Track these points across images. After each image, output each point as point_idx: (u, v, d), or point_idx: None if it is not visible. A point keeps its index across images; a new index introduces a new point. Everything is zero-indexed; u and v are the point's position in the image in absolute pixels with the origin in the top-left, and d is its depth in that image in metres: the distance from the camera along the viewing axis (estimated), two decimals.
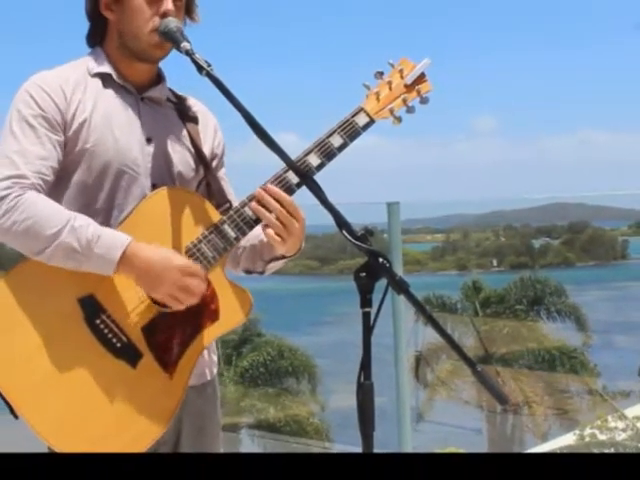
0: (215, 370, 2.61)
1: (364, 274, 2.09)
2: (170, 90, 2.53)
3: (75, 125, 2.34)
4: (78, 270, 2.26)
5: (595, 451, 7.61)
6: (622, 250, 42.41)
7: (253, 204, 2.34)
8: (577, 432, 8.31)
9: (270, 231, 2.35)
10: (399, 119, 2.43)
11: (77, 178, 2.37)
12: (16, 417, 2.27)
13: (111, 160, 2.36)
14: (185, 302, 2.30)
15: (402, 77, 2.42)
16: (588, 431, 8.15)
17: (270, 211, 2.33)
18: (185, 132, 2.49)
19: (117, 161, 2.37)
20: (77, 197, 2.37)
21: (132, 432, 2.31)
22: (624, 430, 7.96)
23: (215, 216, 2.38)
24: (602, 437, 7.93)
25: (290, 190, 2.34)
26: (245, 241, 2.46)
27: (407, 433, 4.86)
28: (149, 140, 2.42)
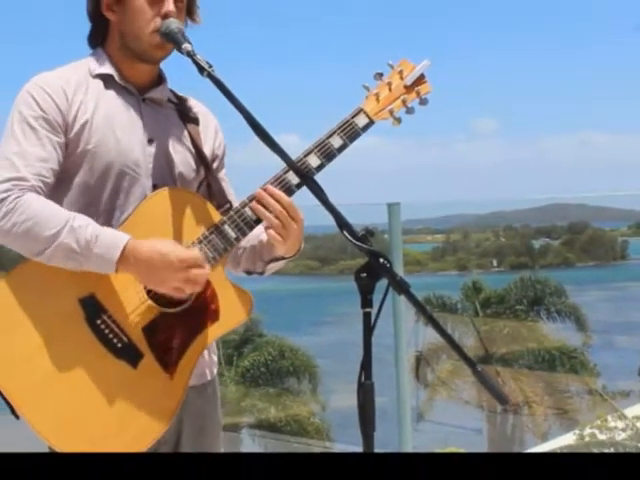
0: (215, 370, 2.61)
1: (365, 274, 2.09)
2: (171, 91, 2.53)
3: (77, 126, 2.34)
4: (79, 270, 2.26)
5: (595, 451, 7.60)
6: (622, 250, 42.40)
7: (253, 204, 2.35)
8: (577, 432, 8.30)
9: (271, 231, 2.35)
10: (399, 120, 2.43)
11: (79, 179, 2.37)
12: (17, 417, 2.27)
13: (113, 161, 2.36)
14: (189, 292, 2.31)
15: (402, 78, 2.42)
16: (588, 431, 8.14)
17: (270, 211, 2.33)
18: (186, 133, 2.50)
19: (119, 162, 2.37)
20: (79, 198, 2.37)
21: (133, 432, 2.31)
22: (624, 430, 7.95)
23: (216, 216, 2.38)
24: (602, 437, 7.92)
25: (290, 191, 2.35)
26: (245, 242, 2.47)
27: (407, 433, 4.86)
28: (150, 141, 2.43)
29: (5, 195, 2.23)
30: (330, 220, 2.14)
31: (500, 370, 20.27)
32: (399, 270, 4.66)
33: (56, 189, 2.35)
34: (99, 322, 2.29)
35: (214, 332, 2.39)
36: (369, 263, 2.09)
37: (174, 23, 2.33)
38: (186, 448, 2.48)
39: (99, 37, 2.47)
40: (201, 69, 2.22)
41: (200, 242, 2.34)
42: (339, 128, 2.37)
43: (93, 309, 2.29)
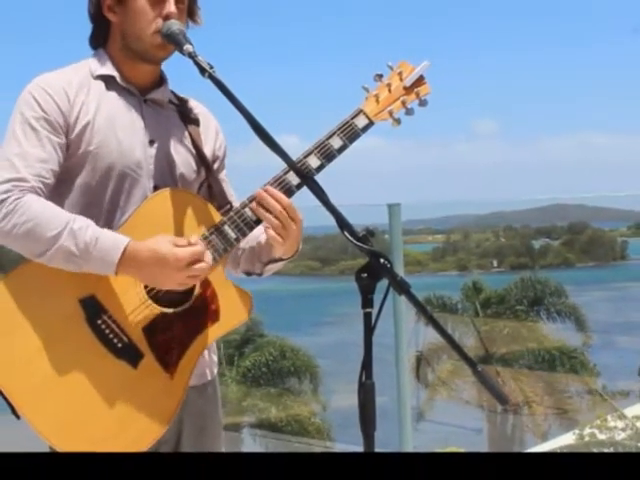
0: (215, 370, 2.62)
1: (365, 275, 2.10)
2: (172, 92, 2.53)
3: (78, 128, 2.35)
4: (79, 271, 2.27)
5: (595, 450, 7.60)
6: (621, 251, 42.37)
7: (253, 205, 2.35)
8: (577, 432, 8.31)
9: (270, 231, 2.36)
10: (398, 121, 2.44)
11: (80, 180, 2.37)
12: (18, 417, 2.28)
13: (114, 162, 2.37)
14: (192, 284, 2.32)
15: (401, 80, 2.43)
16: (588, 431, 8.15)
17: (270, 212, 2.34)
18: (187, 134, 2.50)
19: (120, 163, 2.37)
20: (80, 199, 2.37)
21: (133, 432, 2.31)
22: (623, 429, 7.97)
23: (216, 217, 2.39)
24: (602, 436, 7.93)
25: (290, 192, 2.35)
26: (244, 243, 2.47)
27: (408, 433, 4.86)
28: (152, 142, 2.43)
29: (5, 196, 2.24)
30: (331, 221, 2.14)
31: (500, 370, 20.25)
32: (399, 270, 4.66)
33: (57, 190, 2.35)
34: (99, 322, 2.30)
35: (214, 332, 2.40)
36: (370, 263, 2.10)
37: (175, 24, 2.33)
38: (187, 448, 2.48)
39: (100, 38, 2.47)
40: (202, 70, 2.22)
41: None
42: (339, 129, 2.38)
43: (93, 309, 2.30)
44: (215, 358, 2.62)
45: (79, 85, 2.39)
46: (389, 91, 2.42)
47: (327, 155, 2.36)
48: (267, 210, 2.34)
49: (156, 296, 2.33)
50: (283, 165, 2.31)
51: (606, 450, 7.50)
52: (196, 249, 2.28)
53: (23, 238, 2.23)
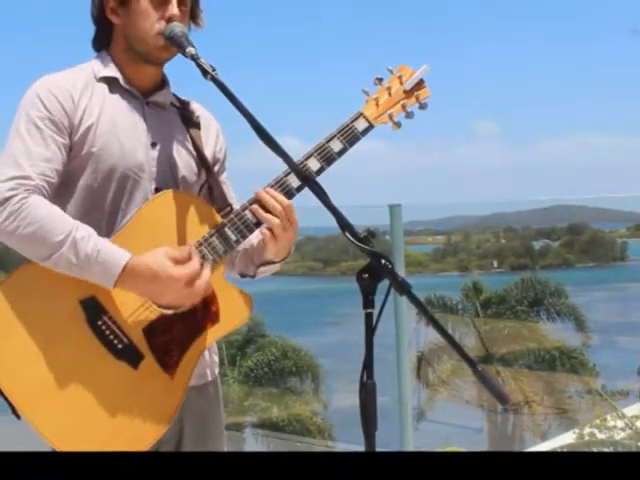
0: (217, 370, 2.62)
1: (366, 275, 2.10)
2: (173, 95, 2.54)
3: (82, 129, 2.35)
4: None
5: (594, 450, 7.61)
6: (621, 252, 42.34)
7: (253, 207, 2.36)
8: (577, 431, 8.33)
9: (267, 231, 2.37)
10: (398, 124, 2.45)
11: (82, 182, 2.37)
12: (18, 417, 2.28)
13: (116, 164, 2.37)
14: (189, 304, 2.31)
15: (401, 83, 2.44)
16: (587, 430, 8.16)
17: (270, 212, 2.35)
18: (188, 136, 2.51)
19: (122, 165, 2.37)
20: (82, 202, 2.38)
21: (133, 432, 2.31)
22: (623, 429, 7.98)
23: (216, 219, 2.39)
24: (601, 436, 7.94)
25: (290, 194, 2.36)
26: (240, 245, 2.48)
27: (409, 432, 4.87)
28: (154, 144, 2.44)
29: (10, 194, 2.23)
30: (332, 222, 2.14)
31: (500, 370, 20.23)
32: (400, 271, 4.67)
33: (60, 192, 2.35)
34: (100, 323, 2.30)
35: (214, 333, 2.40)
36: (371, 264, 2.10)
37: (178, 27, 2.34)
38: (188, 448, 2.49)
39: (103, 40, 2.48)
40: (205, 72, 2.22)
41: (201, 244, 2.35)
42: (339, 132, 2.39)
43: (94, 310, 2.30)
44: (216, 358, 2.63)
45: (83, 87, 2.39)
46: (389, 94, 2.43)
47: (327, 158, 2.37)
48: (267, 211, 2.35)
49: None
50: (283, 167, 2.32)
51: (606, 449, 7.50)
52: (192, 270, 2.28)
53: (25, 240, 2.23)
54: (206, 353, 2.52)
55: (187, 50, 2.27)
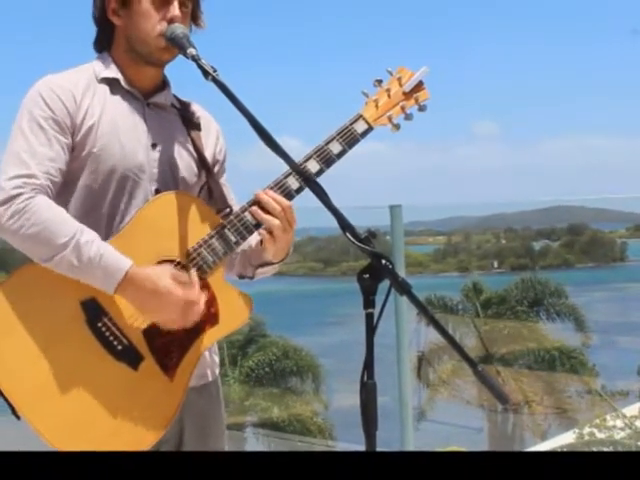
0: (217, 371, 2.62)
1: (367, 276, 2.10)
2: (174, 96, 2.55)
3: (83, 130, 2.35)
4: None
5: (594, 449, 7.62)
6: (621, 252, 42.39)
7: (253, 208, 2.36)
8: (576, 431, 8.34)
9: (265, 232, 2.37)
10: (397, 126, 2.45)
11: (82, 182, 2.37)
12: (18, 418, 2.28)
13: (116, 165, 2.37)
14: (181, 326, 2.32)
15: (400, 85, 2.44)
16: (587, 430, 8.17)
17: (269, 213, 2.35)
18: (189, 138, 2.51)
19: (122, 166, 2.38)
20: (83, 202, 2.38)
21: (132, 433, 2.31)
22: (622, 429, 7.98)
23: (216, 221, 2.39)
24: (601, 436, 7.95)
25: (289, 195, 2.37)
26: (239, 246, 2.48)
27: (409, 432, 4.87)
28: (154, 145, 2.44)
29: (16, 192, 2.23)
30: (333, 222, 2.14)
31: (500, 370, 20.24)
32: (401, 271, 4.66)
33: (61, 192, 2.35)
34: (100, 325, 2.30)
35: (214, 335, 2.41)
36: (371, 264, 2.10)
37: (179, 28, 2.34)
38: (189, 448, 2.48)
39: (105, 41, 2.48)
40: (206, 73, 2.22)
41: (200, 246, 2.36)
42: (338, 134, 2.39)
43: (94, 312, 2.30)
44: (217, 359, 2.63)
45: (85, 87, 2.39)
46: (388, 96, 2.44)
47: (326, 160, 2.38)
48: (266, 212, 2.35)
49: None
50: (284, 168, 2.33)
51: (605, 449, 7.51)
52: (194, 294, 2.29)
53: (29, 240, 2.23)
54: (206, 353, 2.52)
55: (188, 51, 2.28)
